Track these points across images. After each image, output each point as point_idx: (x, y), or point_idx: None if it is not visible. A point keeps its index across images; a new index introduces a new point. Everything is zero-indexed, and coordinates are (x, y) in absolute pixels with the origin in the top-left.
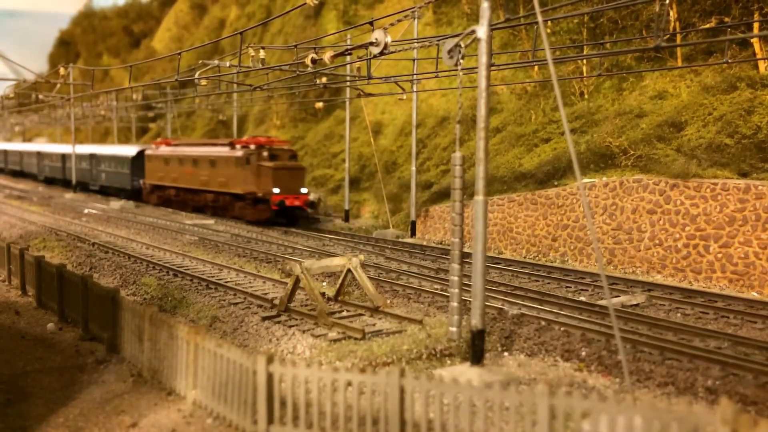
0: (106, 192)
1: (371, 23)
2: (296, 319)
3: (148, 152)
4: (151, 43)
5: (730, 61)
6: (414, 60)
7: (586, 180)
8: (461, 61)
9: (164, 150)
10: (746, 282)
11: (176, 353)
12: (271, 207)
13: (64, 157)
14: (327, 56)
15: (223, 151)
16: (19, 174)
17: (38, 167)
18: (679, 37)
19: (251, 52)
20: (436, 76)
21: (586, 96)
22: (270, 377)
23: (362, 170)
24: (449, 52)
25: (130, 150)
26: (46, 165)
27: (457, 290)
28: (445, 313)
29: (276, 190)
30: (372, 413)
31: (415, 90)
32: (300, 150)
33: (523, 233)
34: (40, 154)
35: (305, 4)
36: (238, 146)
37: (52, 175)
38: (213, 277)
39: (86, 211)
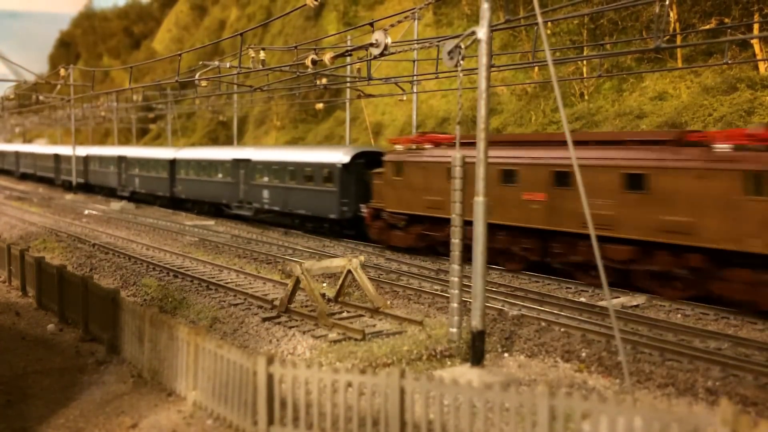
0: (267, 221)
1: (371, 24)
2: (296, 320)
3: (391, 158)
4: (151, 44)
5: (730, 62)
6: (414, 61)
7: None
8: (461, 62)
9: (435, 154)
10: None
11: (176, 354)
12: None
13: (173, 165)
14: (327, 57)
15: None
16: (86, 188)
17: (121, 179)
18: (679, 38)
19: (251, 53)
20: (437, 77)
21: (586, 97)
22: (270, 378)
23: None
24: (449, 53)
25: (334, 154)
26: (135, 176)
27: (457, 291)
28: (446, 314)
29: None
30: (372, 414)
31: (415, 91)
32: None
33: None
34: (123, 162)
35: (305, 5)
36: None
37: (148, 190)
38: (213, 278)
39: (86, 212)
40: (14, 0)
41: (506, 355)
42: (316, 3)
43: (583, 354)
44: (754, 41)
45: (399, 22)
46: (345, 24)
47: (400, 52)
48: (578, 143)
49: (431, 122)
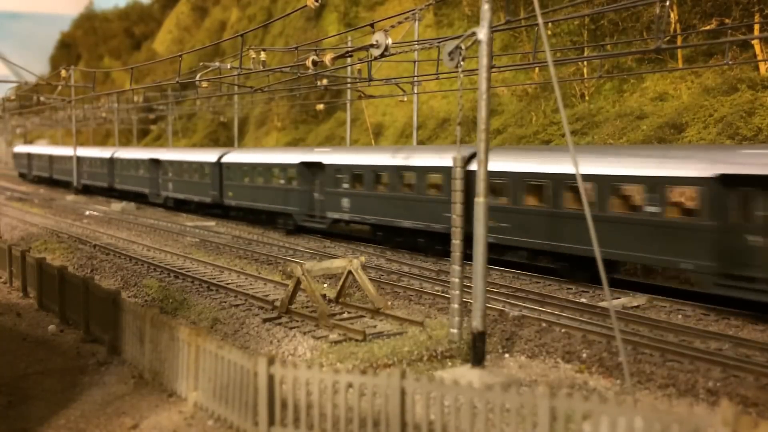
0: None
1: (372, 25)
2: (297, 321)
3: None
4: (152, 45)
5: (730, 62)
6: (415, 62)
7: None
8: (462, 62)
9: None
10: None
11: (177, 355)
12: None
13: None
14: (328, 58)
15: None
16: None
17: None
18: (679, 39)
19: (252, 54)
20: (437, 78)
21: (586, 98)
22: (271, 379)
23: None
24: (450, 53)
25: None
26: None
27: (457, 292)
28: (446, 315)
29: None
30: (373, 415)
31: (415, 92)
32: None
33: None
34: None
35: (306, 6)
36: None
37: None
38: (214, 279)
39: (87, 213)
40: (15, 1)
41: (507, 355)
42: (316, 4)
43: (584, 355)
44: (755, 42)
45: (399, 23)
46: (345, 25)
47: (400, 53)
48: None
49: (432, 123)
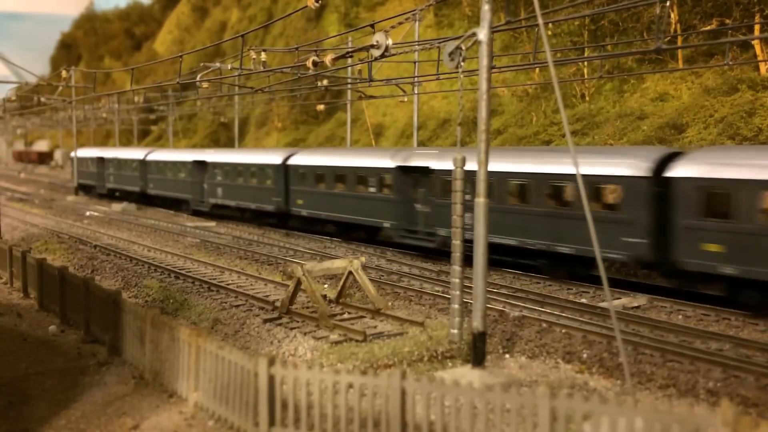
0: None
1: (372, 26)
2: (298, 322)
3: None
4: (152, 46)
5: (731, 63)
6: (415, 62)
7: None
8: (462, 63)
9: None
10: None
11: (178, 355)
12: None
13: None
14: (328, 59)
15: None
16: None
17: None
18: (680, 39)
19: (252, 54)
20: (437, 79)
21: (587, 98)
22: (271, 379)
23: None
24: (450, 54)
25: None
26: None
27: (458, 292)
28: (447, 315)
29: None
30: (373, 415)
31: (416, 92)
32: None
33: None
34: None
35: (306, 6)
36: None
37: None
38: (214, 279)
39: (88, 213)
40: (16, 1)
41: (507, 356)
42: (317, 4)
43: (585, 355)
44: (755, 42)
45: (400, 23)
46: (346, 25)
47: (401, 53)
48: None
49: (432, 123)
